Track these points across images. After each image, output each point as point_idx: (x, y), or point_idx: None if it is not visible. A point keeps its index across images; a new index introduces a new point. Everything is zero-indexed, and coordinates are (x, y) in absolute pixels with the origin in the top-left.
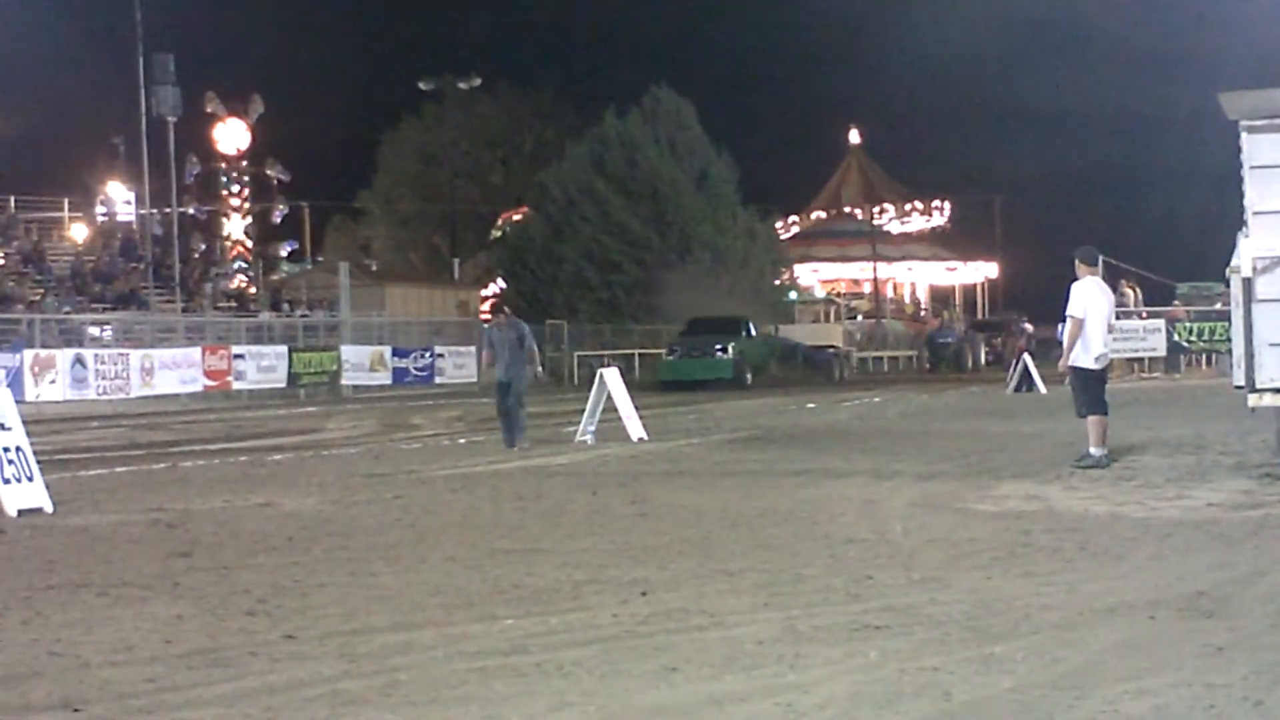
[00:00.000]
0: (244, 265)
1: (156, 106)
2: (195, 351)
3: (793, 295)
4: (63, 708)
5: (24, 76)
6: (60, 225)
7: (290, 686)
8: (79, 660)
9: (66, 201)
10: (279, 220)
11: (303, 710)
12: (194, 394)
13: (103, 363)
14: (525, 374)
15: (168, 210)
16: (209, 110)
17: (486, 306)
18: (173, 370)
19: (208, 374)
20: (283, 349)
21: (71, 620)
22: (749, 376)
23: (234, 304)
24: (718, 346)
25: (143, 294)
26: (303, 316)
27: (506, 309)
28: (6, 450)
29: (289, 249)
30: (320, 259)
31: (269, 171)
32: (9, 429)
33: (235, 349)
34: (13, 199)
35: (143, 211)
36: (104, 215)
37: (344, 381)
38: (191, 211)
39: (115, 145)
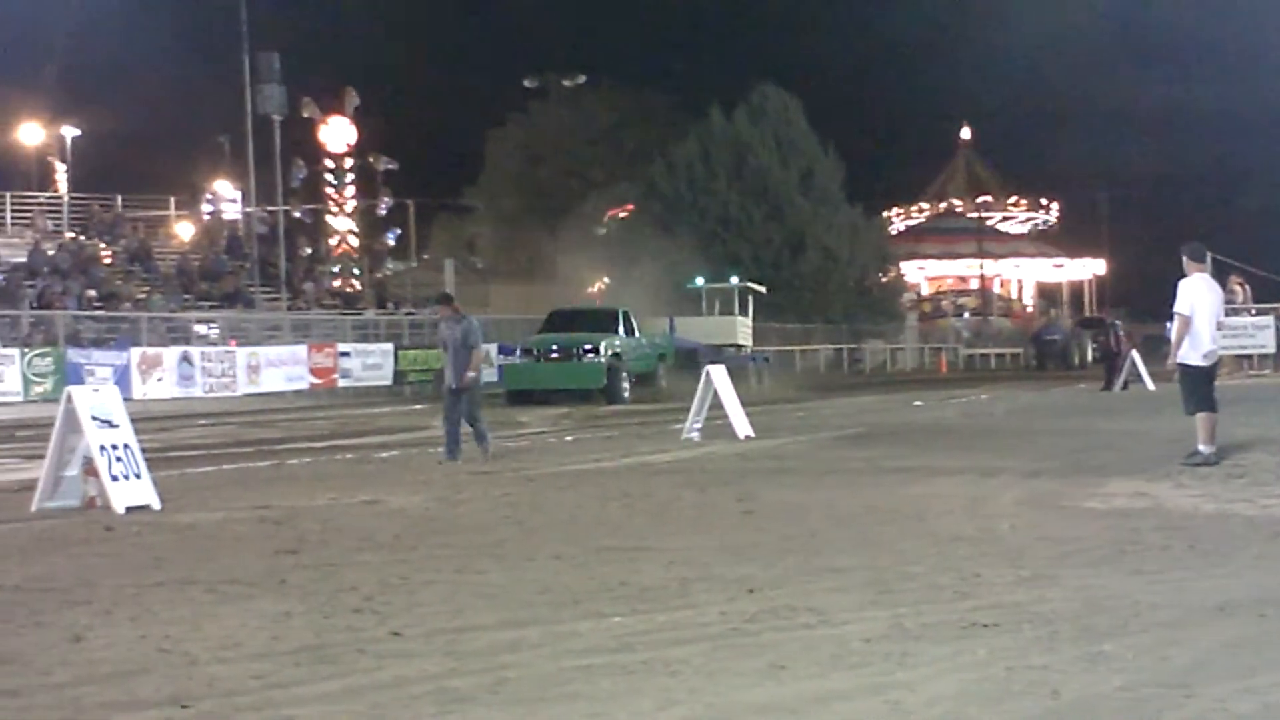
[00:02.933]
0: (350, 262)
1: (262, 105)
2: (301, 349)
3: (735, 280)
4: (171, 704)
5: (130, 76)
6: (167, 224)
7: (397, 684)
8: (187, 657)
9: (173, 200)
10: (385, 212)
11: (409, 708)
12: (299, 391)
13: (209, 360)
14: (467, 379)
15: (273, 208)
16: (305, 115)
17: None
18: (278, 368)
19: (313, 371)
20: (388, 346)
21: (179, 617)
22: (626, 386)
23: (339, 301)
24: (586, 347)
25: (248, 292)
26: (408, 314)
27: (455, 301)
28: (114, 447)
29: (393, 237)
30: (426, 256)
31: (375, 164)
32: (116, 426)
33: (341, 346)
34: (120, 198)
35: (248, 209)
36: (210, 213)
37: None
38: (297, 214)
39: (220, 144)
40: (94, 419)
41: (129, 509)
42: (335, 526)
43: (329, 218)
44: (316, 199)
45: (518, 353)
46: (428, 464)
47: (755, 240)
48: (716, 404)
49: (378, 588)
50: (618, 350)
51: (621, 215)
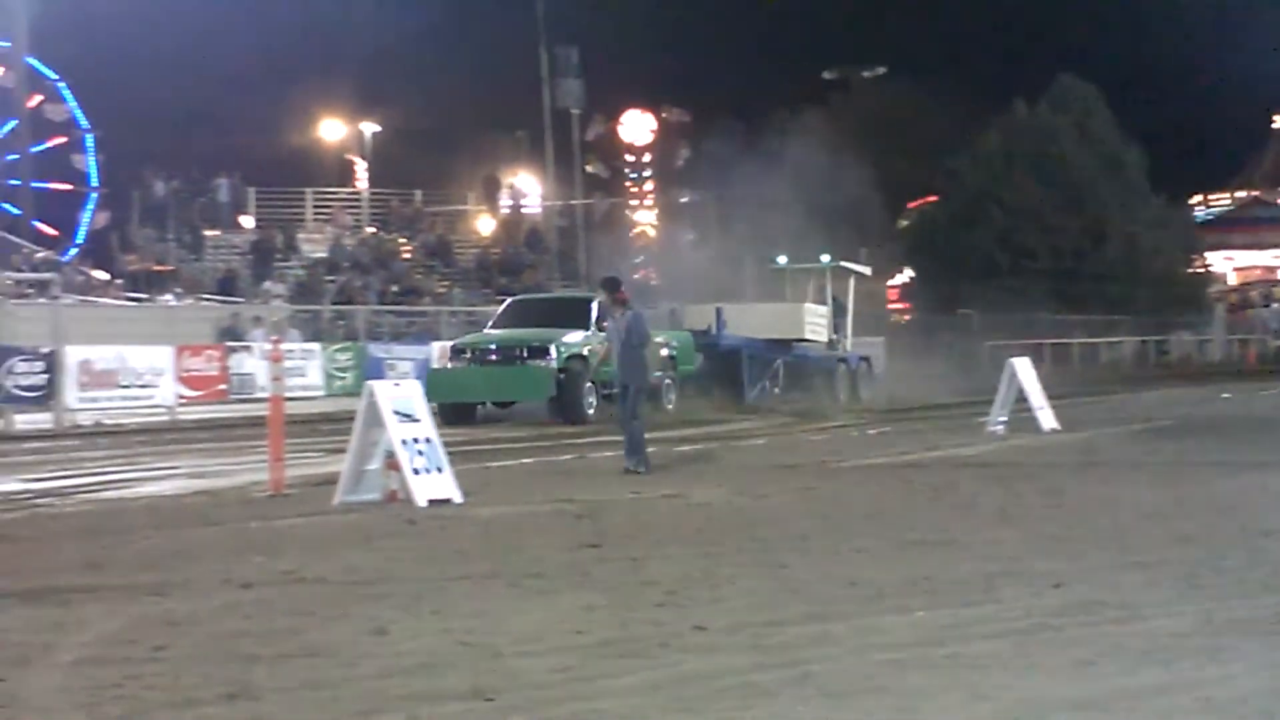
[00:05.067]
0: (649, 255)
1: (560, 99)
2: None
3: (826, 258)
4: (474, 697)
5: (429, 72)
6: (466, 218)
7: (701, 677)
8: (491, 650)
9: (471, 195)
10: (685, 235)
11: (714, 701)
12: None
13: None
14: (643, 377)
15: (573, 202)
16: (633, 97)
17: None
18: None
19: None
20: (689, 337)
21: (482, 610)
22: (591, 400)
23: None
24: (532, 347)
25: (549, 285)
26: (715, 305)
27: (621, 289)
28: (416, 441)
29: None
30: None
31: (676, 160)
32: (418, 421)
33: None
34: (419, 193)
35: (547, 203)
36: (509, 207)
37: None
38: (593, 201)
39: (519, 138)
40: (395, 413)
41: (430, 502)
42: (638, 520)
43: (628, 210)
44: (616, 192)
45: (448, 354)
46: (730, 457)
47: (1054, 230)
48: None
49: (681, 581)
50: (579, 352)
51: (923, 207)
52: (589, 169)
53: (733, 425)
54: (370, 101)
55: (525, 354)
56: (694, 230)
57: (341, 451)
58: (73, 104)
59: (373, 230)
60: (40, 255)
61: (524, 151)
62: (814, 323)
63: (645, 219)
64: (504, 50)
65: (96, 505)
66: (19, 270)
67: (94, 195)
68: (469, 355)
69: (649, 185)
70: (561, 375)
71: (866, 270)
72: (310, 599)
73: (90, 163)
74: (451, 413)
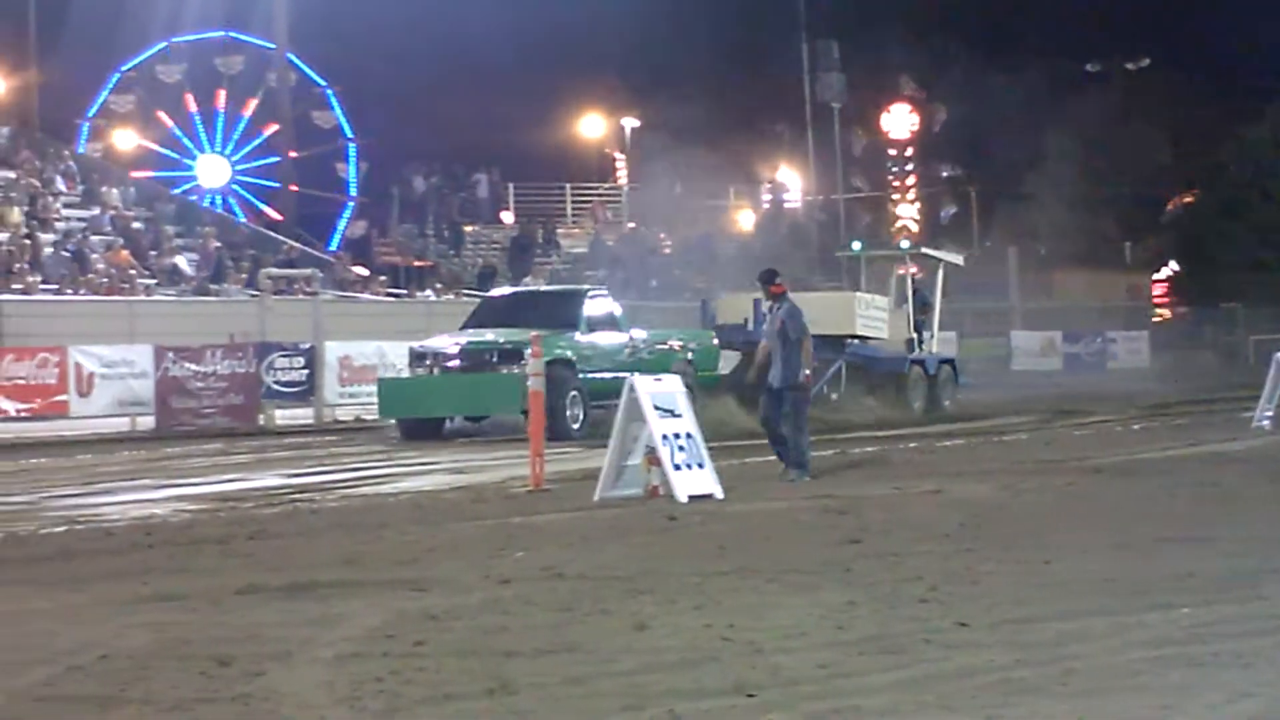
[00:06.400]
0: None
1: (821, 93)
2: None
3: (905, 243)
4: (735, 692)
5: (688, 67)
6: (727, 213)
7: (962, 674)
8: (751, 646)
9: (732, 190)
10: (945, 220)
11: (975, 698)
12: None
13: None
14: (797, 376)
15: (834, 196)
16: (894, 91)
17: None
18: None
19: None
20: (951, 335)
21: (743, 606)
22: (580, 413)
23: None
24: (503, 349)
25: (810, 281)
26: (971, 302)
27: (778, 280)
28: (677, 436)
29: (947, 216)
30: (987, 243)
31: (942, 170)
32: (679, 416)
33: None
34: (679, 187)
35: (808, 197)
36: (769, 202)
37: (1013, 367)
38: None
39: (779, 132)
40: (656, 408)
41: (691, 498)
42: (899, 516)
43: (890, 204)
44: (878, 183)
45: (417, 362)
46: (992, 453)
47: None
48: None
49: (942, 577)
50: (564, 356)
51: (1187, 200)
52: (856, 184)
53: (993, 421)
54: (631, 97)
55: (495, 359)
56: (952, 224)
57: (602, 447)
58: (339, 112)
59: (632, 226)
60: (300, 252)
61: (785, 146)
62: (870, 316)
63: (906, 213)
64: (765, 45)
65: (356, 500)
66: (280, 267)
67: (351, 204)
68: (430, 361)
69: (910, 179)
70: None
71: (957, 258)
72: (570, 594)
73: (351, 171)
74: (413, 429)
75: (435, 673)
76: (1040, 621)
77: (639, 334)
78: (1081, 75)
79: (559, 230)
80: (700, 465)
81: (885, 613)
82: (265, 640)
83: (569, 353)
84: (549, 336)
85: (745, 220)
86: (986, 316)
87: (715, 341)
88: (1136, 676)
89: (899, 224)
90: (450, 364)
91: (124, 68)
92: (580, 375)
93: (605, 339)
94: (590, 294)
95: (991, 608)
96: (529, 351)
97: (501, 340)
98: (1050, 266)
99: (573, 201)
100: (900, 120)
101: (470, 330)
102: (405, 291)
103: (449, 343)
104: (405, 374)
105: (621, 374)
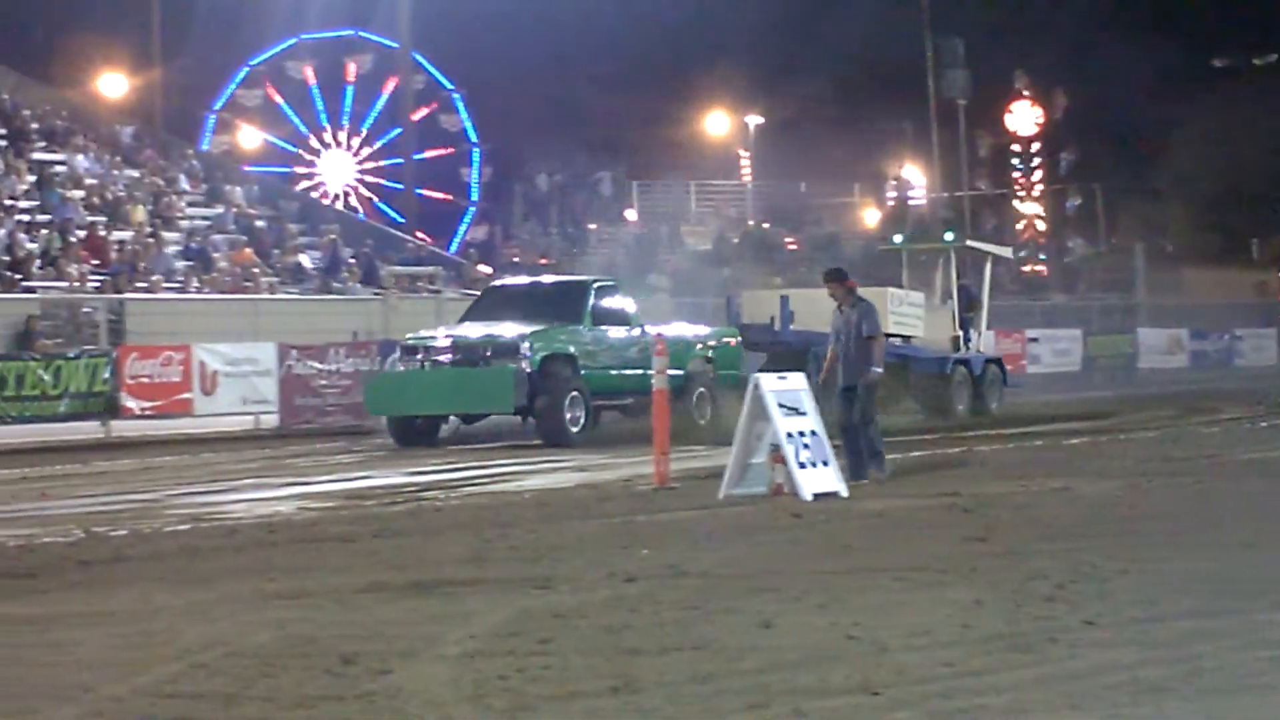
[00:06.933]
0: (1035, 248)
1: (946, 89)
2: (988, 334)
3: (950, 235)
4: (861, 691)
5: (813, 63)
6: (852, 210)
7: (1090, 673)
8: (876, 644)
9: (857, 186)
10: (1071, 212)
11: (1102, 697)
12: None
13: None
14: (869, 371)
15: (958, 193)
16: (1018, 88)
17: None
18: None
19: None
20: (1077, 332)
21: (868, 604)
22: (578, 414)
23: (1020, 286)
24: (497, 343)
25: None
26: (1097, 299)
27: (848, 278)
28: (801, 435)
29: (1072, 207)
30: (1114, 240)
31: (1062, 160)
32: (804, 414)
33: (1029, 332)
34: (803, 185)
35: (933, 194)
36: (894, 199)
37: (1140, 365)
38: (979, 189)
39: (904, 129)
40: (781, 406)
41: (816, 496)
42: (1025, 514)
43: (1016, 202)
44: (1002, 179)
45: (395, 354)
46: (1118, 451)
47: None
48: None
49: (1068, 575)
50: (564, 351)
51: None
52: (980, 186)
53: (1120, 419)
54: (755, 94)
55: (490, 353)
56: (1079, 220)
57: (726, 445)
58: (464, 117)
59: (755, 223)
60: (427, 251)
61: (909, 143)
62: (903, 313)
63: (1031, 210)
64: (889, 41)
65: (480, 498)
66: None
67: (473, 209)
68: (420, 355)
69: (1035, 176)
70: (538, 379)
71: (1005, 251)
72: (694, 592)
73: (474, 175)
74: (404, 430)
75: (560, 670)
76: (1168, 620)
77: (651, 329)
78: (1209, 71)
79: (683, 227)
80: (825, 463)
81: (1012, 611)
82: (390, 638)
83: (570, 348)
84: (548, 330)
85: (870, 218)
86: (1112, 313)
87: (731, 341)
88: (1264, 676)
89: (1023, 221)
90: (441, 357)
91: (253, 61)
92: (583, 372)
93: (612, 334)
94: (596, 285)
95: (1118, 606)
96: (525, 346)
97: (496, 333)
98: (1177, 263)
99: (696, 199)
100: (1024, 117)
101: (468, 323)
102: None
103: (441, 334)
104: (392, 369)
105: (629, 371)
